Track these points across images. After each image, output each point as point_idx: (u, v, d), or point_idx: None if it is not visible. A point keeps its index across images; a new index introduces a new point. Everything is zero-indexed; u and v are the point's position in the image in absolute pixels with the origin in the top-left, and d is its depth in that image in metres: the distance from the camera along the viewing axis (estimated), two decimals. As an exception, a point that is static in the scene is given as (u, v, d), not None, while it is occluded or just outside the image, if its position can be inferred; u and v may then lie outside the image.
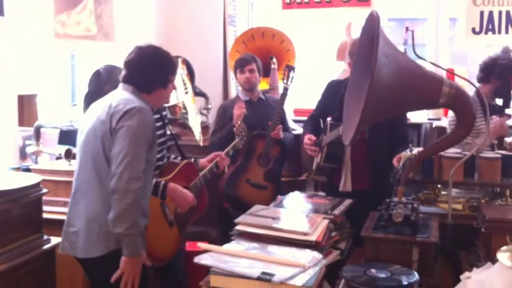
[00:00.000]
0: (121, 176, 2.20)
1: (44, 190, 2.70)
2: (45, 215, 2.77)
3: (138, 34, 4.51)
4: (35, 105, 3.60)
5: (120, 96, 2.38)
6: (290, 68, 3.74)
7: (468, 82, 2.64)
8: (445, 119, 4.61)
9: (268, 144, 3.68)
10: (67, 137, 3.57)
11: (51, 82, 3.93)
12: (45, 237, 2.70)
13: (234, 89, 5.14)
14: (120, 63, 3.64)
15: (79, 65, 4.31)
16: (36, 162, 3.29)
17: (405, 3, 5.55)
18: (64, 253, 2.45)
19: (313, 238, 2.21)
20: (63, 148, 3.25)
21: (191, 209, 2.84)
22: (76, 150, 2.51)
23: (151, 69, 2.44)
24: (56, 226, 2.85)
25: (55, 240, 2.71)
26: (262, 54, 4.40)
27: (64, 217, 2.92)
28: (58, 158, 3.32)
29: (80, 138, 2.44)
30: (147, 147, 2.31)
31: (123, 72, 2.47)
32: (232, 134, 3.44)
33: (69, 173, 3.04)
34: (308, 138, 3.23)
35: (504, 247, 1.99)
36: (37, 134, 3.32)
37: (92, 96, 3.47)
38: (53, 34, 3.73)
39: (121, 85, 2.46)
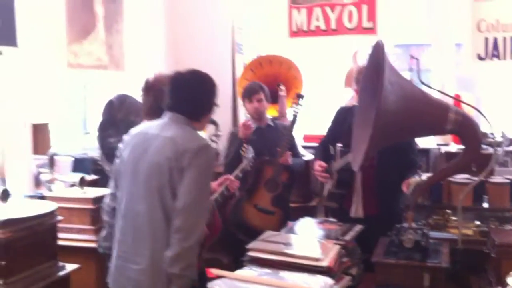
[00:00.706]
0: (189, 216, 2.20)
1: (59, 218, 2.73)
2: (59, 242, 2.80)
3: (148, 63, 4.60)
4: (48, 133, 3.67)
5: (178, 130, 2.33)
6: (300, 96, 3.81)
7: (475, 109, 2.68)
8: (454, 145, 4.65)
9: (277, 169, 3.72)
10: (80, 164, 3.63)
11: (64, 111, 4.00)
12: (60, 264, 2.72)
13: (243, 116, 5.20)
14: (131, 91, 3.74)
15: (91, 94, 4.39)
16: (50, 190, 3.34)
17: (410, 29, 5.62)
18: None
19: (325, 263, 2.23)
20: (77, 176, 3.30)
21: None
22: (118, 179, 2.44)
23: (200, 97, 2.42)
24: (70, 253, 2.90)
25: (70, 267, 2.74)
26: (270, 81, 4.47)
27: (79, 244, 2.99)
28: (72, 185, 3.37)
29: (130, 171, 2.37)
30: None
31: (169, 101, 2.41)
32: (239, 153, 3.47)
33: (83, 200, 3.10)
34: (319, 165, 3.27)
35: (515, 272, 2.00)
36: (51, 162, 3.37)
37: (106, 125, 3.55)
38: (66, 64, 3.82)
39: (170, 115, 2.40)
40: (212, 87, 2.48)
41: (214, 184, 3.15)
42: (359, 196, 3.16)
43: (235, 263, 2.79)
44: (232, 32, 5.24)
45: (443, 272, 2.23)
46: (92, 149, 3.76)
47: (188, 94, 2.40)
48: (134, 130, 2.49)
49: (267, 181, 3.74)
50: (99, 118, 3.64)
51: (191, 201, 2.21)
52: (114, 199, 2.47)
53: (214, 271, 2.26)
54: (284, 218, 3.52)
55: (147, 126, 2.46)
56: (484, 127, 2.90)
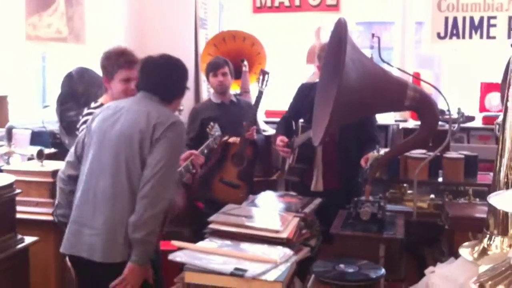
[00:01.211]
0: (156, 184, 2.24)
1: (18, 191, 2.69)
2: (18, 215, 2.76)
3: (109, 36, 4.53)
4: (6, 106, 3.59)
5: (153, 107, 2.38)
6: (265, 73, 3.81)
7: (432, 87, 2.74)
8: (412, 121, 4.76)
9: (242, 144, 3.74)
10: (38, 137, 3.58)
11: (22, 84, 3.92)
12: (19, 236, 2.70)
13: (206, 91, 5.18)
14: (91, 65, 3.68)
15: (50, 67, 4.30)
16: (8, 163, 3.28)
17: (373, 7, 5.67)
18: (69, 253, 2.39)
19: (284, 235, 2.27)
20: (35, 149, 3.25)
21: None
22: (79, 148, 2.47)
23: (172, 82, 2.49)
24: (28, 226, 2.88)
25: (28, 239, 2.72)
26: (233, 57, 4.45)
27: (37, 217, 2.95)
28: (30, 158, 3.32)
29: (97, 141, 2.38)
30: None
31: (143, 80, 2.47)
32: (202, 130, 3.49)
33: (41, 173, 3.06)
34: (280, 140, 3.30)
35: (466, 243, 2.07)
36: (9, 135, 3.31)
37: (65, 98, 3.49)
38: (24, 36, 3.73)
39: (145, 94, 2.44)
40: (184, 72, 2.55)
41: None
42: (320, 170, 3.21)
43: (197, 236, 2.81)
44: (195, 7, 5.19)
45: (398, 243, 2.30)
46: (50, 122, 3.70)
47: (160, 79, 2.45)
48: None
49: (234, 155, 3.77)
50: (58, 91, 3.58)
51: (159, 169, 2.26)
52: (71, 167, 2.48)
53: (176, 243, 2.28)
54: (249, 192, 3.56)
55: (118, 101, 2.50)
56: (441, 104, 2.98)
